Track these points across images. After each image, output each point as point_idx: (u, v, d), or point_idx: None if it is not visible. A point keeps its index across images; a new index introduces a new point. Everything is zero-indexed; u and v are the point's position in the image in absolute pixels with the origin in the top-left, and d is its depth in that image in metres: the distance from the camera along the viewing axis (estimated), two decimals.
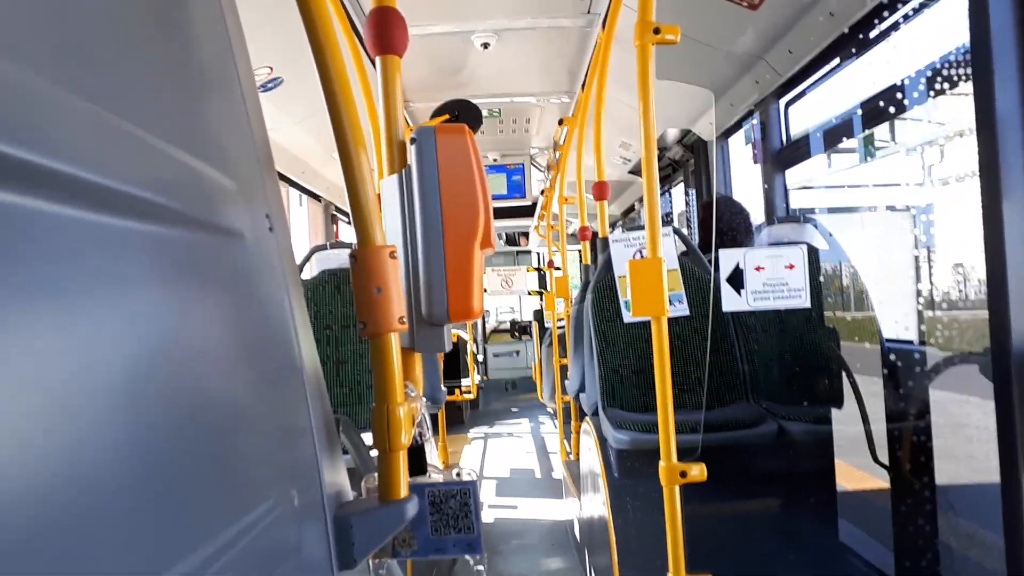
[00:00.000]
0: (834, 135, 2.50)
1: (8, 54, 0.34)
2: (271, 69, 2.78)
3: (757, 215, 3.09)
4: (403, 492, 0.77)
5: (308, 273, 3.09)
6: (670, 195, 4.93)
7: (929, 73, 1.81)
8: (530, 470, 5.22)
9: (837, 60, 2.50)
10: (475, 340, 7.70)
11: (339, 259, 3.04)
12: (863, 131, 2.28)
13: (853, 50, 2.37)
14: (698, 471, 1.46)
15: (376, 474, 0.79)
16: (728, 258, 1.67)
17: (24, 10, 0.36)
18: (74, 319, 0.36)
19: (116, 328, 0.40)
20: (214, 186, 0.58)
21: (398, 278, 0.77)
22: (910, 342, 1.90)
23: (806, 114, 2.89)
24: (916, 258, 1.85)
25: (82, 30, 0.42)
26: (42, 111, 0.36)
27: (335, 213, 5.14)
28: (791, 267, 1.62)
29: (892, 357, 1.95)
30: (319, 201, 4.90)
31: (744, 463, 2.33)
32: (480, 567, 0.89)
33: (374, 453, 0.81)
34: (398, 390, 0.77)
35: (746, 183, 3.56)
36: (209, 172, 0.57)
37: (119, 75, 0.46)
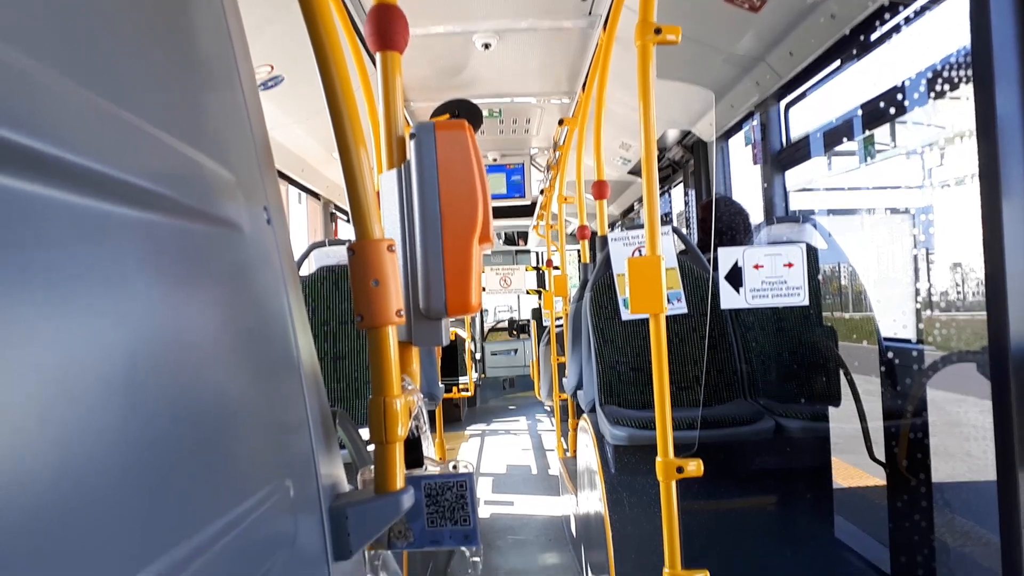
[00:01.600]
0: (834, 137, 2.51)
1: (11, 41, 0.34)
2: (272, 67, 2.78)
3: (756, 216, 3.09)
4: (399, 484, 0.78)
5: (307, 270, 3.09)
6: (669, 195, 4.93)
7: (929, 75, 1.81)
8: (527, 467, 5.23)
9: (838, 62, 2.51)
10: (473, 338, 7.71)
11: (337, 256, 3.05)
12: (863, 133, 2.29)
13: (854, 52, 2.38)
14: (695, 467, 1.46)
15: (372, 466, 0.79)
16: (727, 256, 1.67)
17: (30, 2, 0.37)
18: (69, 306, 0.36)
19: (112, 316, 0.40)
20: (213, 177, 0.59)
21: (396, 271, 0.77)
22: (908, 341, 1.91)
23: (806, 116, 2.90)
24: (915, 258, 1.86)
25: (85, 21, 0.42)
26: (42, 98, 0.36)
27: (334, 211, 5.14)
28: (790, 265, 1.62)
29: (890, 355, 1.96)
30: (318, 199, 4.90)
31: (741, 460, 2.34)
32: (476, 559, 0.89)
33: (371, 448, 0.82)
34: (395, 382, 0.77)
35: (746, 184, 3.56)
36: (208, 163, 0.58)
37: (120, 66, 0.46)
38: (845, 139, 2.43)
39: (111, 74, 0.44)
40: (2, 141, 0.32)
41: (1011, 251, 1.30)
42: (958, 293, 1.92)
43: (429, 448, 0.89)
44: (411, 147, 0.85)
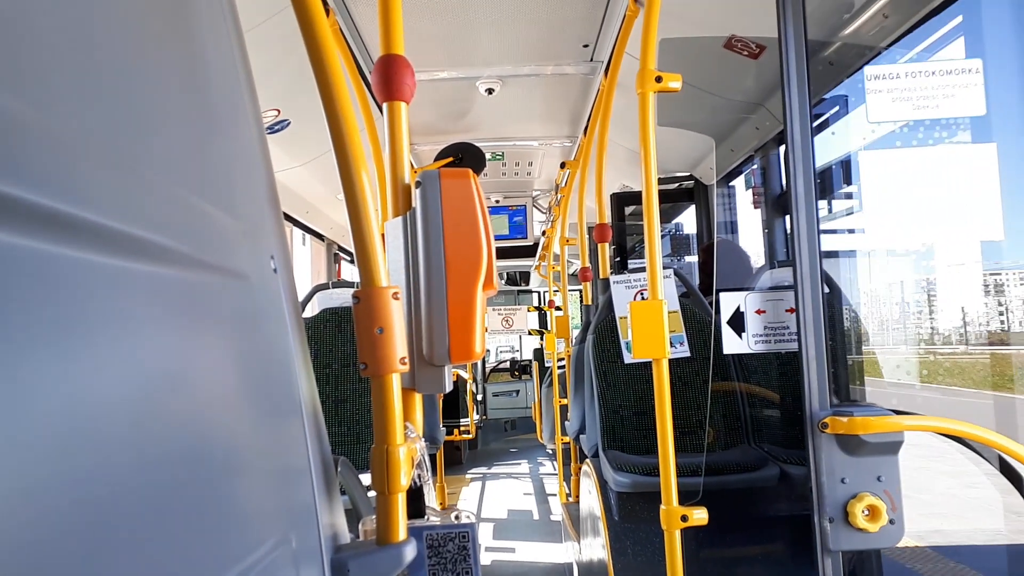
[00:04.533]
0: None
1: (17, 94, 0.35)
2: (278, 111, 2.83)
3: (758, 259, 3.10)
4: (401, 535, 0.77)
5: (309, 311, 3.10)
6: (671, 236, 4.96)
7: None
8: (528, 512, 5.15)
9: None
10: (475, 379, 7.67)
11: (341, 298, 3.05)
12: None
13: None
14: (700, 515, 1.44)
15: (374, 516, 0.79)
16: (729, 300, 1.67)
17: (36, 49, 0.37)
18: (78, 359, 0.36)
19: (119, 368, 0.40)
20: (221, 228, 0.59)
21: (401, 319, 0.77)
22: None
23: None
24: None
25: (94, 71, 0.43)
26: (49, 152, 0.36)
27: (338, 252, 5.17)
28: (792, 311, 1.62)
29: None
30: (322, 241, 4.93)
31: (746, 507, 2.31)
32: None
33: (372, 494, 0.81)
34: (398, 431, 0.77)
35: (753, 226, 3.56)
36: (217, 214, 0.58)
37: (130, 117, 0.47)
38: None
39: (119, 124, 0.45)
40: (6, 197, 0.32)
41: None
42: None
43: (431, 496, 0.88)
44: (416, 195, 0.86)
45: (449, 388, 0.89)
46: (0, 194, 0.31)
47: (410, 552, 0.77)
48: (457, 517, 0.84)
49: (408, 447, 0.78)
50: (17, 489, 0.30)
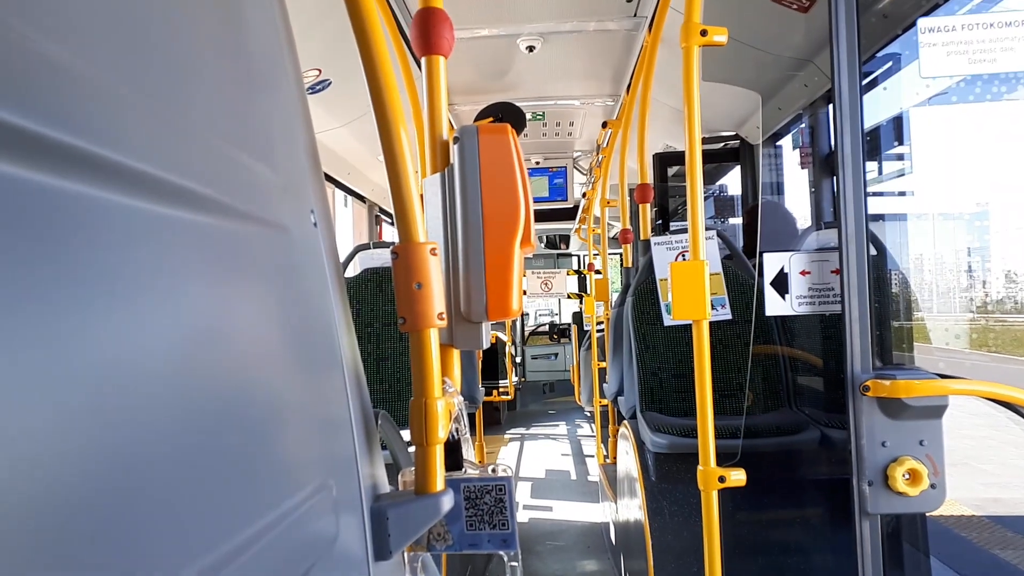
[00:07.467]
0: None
1: (63, 44, 0.35)
2: (319, 71, 2.83)
3: (805, 220, 3.03)
4: (439, 486, 0.78)
5: (351, 272, 3.14)
6: (714, 197, 4.87)
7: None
8: (566, 472, 5.21)
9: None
10: (513, 342, 7.71)
11: (382, 258, 3.08)
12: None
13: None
14: (738, 476, 1.44)
15: (412, 468, 0.80)
16: (773, 261, 1.64)
17: (84, 4, 0.38)
18: (122, 305, 0.37)
19: (162, 315, 0.41)
20: (262, 180, 0.60)
21: (439, 275, 0.77)
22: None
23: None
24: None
25: (140, 25, 0.43)
26: (91, 98, 0.37)
27: (379, 214, 5.21)
28: (837, 272, 1.58)
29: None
30: (364, 202, 4.97)
31: (785, 470, 2.29)
32: (514, 564, 0.89)
33: (411, 449, 0.82)
34: (436, 384, 0.78)
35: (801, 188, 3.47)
36: (257, 167, 0.59)
37: (173, 69, 0.47)
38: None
39: (164, 77, 0.45)
40: (55, 142, 0.32)
41: None
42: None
43: (469, 451, 0.89)
44: (455, 151, 0.86)
45: (487, 345, 0.89)
46: (44, 137, 0.32)
47: (447, 502, 0.78)
48: (494, 470, 0.85)
49: (446, 401, 0.79)
50: (60, 435, 0.31)
